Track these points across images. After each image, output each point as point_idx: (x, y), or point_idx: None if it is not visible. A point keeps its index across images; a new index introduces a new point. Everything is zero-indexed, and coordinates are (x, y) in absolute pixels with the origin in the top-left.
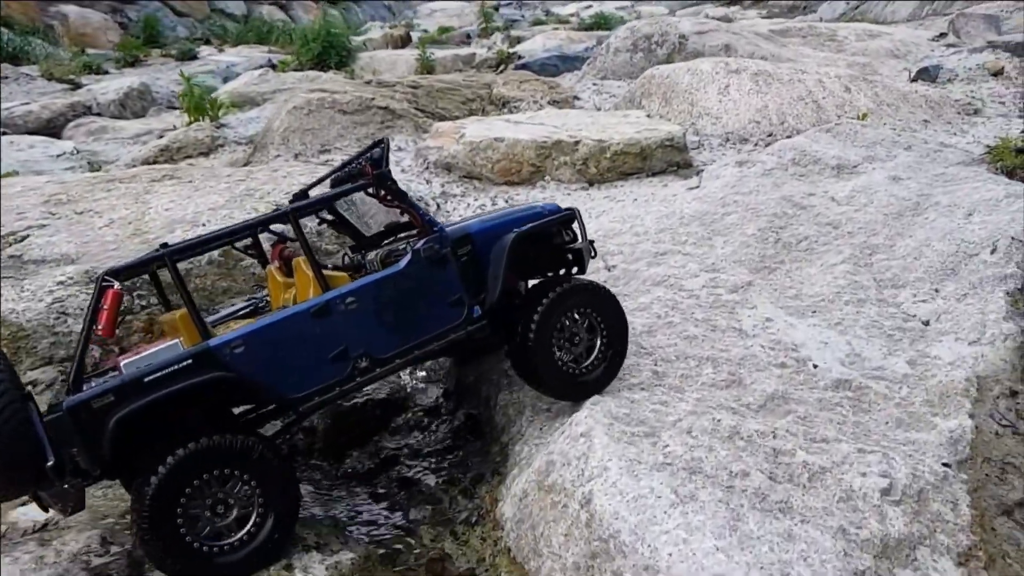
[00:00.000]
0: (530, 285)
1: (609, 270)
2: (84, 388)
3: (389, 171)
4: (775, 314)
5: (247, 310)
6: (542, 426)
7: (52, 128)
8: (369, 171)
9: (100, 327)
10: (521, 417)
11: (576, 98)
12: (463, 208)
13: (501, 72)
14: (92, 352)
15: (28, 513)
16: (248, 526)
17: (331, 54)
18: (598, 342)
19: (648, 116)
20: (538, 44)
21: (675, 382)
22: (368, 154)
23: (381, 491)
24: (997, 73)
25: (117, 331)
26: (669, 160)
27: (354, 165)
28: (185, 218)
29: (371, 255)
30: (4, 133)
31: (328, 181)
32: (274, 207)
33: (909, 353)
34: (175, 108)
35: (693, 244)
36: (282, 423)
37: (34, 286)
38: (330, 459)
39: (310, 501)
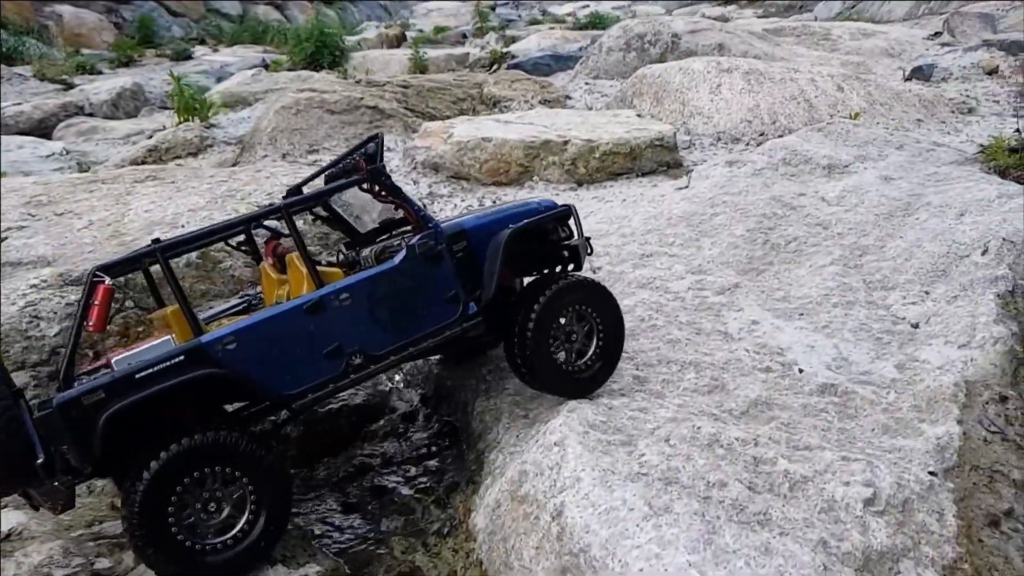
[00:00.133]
0: (526, 282)
1: (594, 272)
2: (75, 385)
3: (383, 166)
4: (762, 317)
5: (240, 307)
6: (519, 433)
7: (44, 128)
8: (363, 166)
9: (91, 323)
10: (498, 424)
11: (568, 97)
12: (450, 209)
13: (494, 72)
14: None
15: None
16: (240, 524)
17: (324, 54)
18: (594, 339)
19: (639, 116)
20: (532, 44)
21: (656, 387)
22: (362, 149)
23: (353, 500)
24: (992, 72)
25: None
26: (659, 160)
27: (348, 161)
28: (164, 220)
29: (366, 251)
30: None
31: (322, 177)
32: (255, 208)
33: (897, 357)
34: (168, 108)
35: (680, 245)
36: (272, 421)
37: (7, 289)
38: (302, 467)
39: None
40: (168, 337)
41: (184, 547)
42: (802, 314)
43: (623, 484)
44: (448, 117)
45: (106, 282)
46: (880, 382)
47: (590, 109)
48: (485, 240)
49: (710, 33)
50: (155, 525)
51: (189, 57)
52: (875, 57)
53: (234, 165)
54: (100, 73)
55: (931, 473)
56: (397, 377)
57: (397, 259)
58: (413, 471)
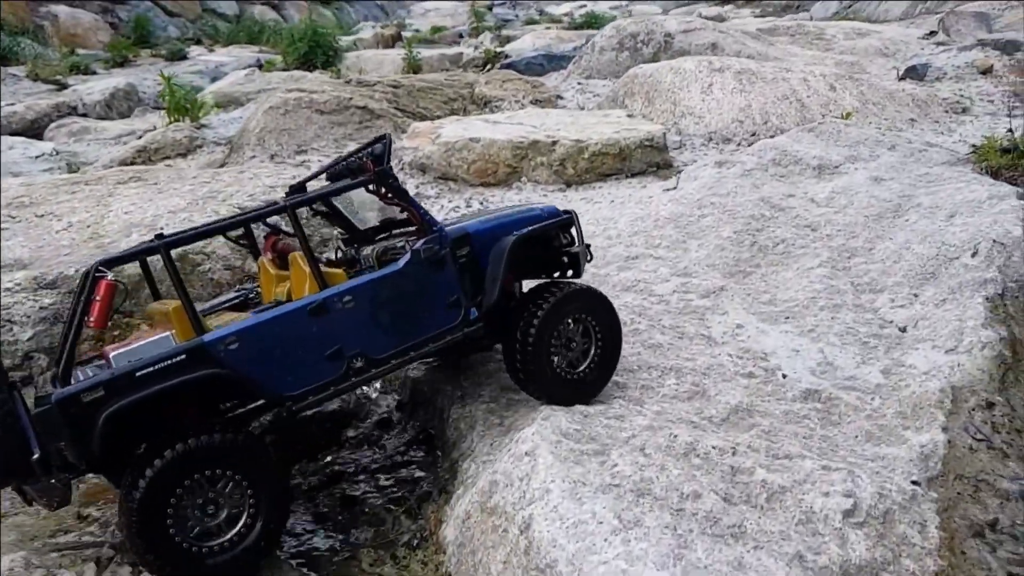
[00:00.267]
0: (525, 286)
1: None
2: (73, 381)
3: (391, 168)
4: (747, 320)
5: (237, 300)
6: (493, 442)
7: (36, 129)
8: (370, 167)
9: (92, 319)
10: (472, 432)
11: (559, 97)
12: (437, 210)
13: (488, 71)
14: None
15: None
16: (238, 526)
17: (318, 54)
18: (593, 347)
19: (629, 116)
20: (527, 43)
21: (635, 394)
22: (369, 149)
23: (323, 510)
24: (986, 71)
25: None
26: (649, 161)
27: (354, 160)
28: (144, 221)
29: (366, 251)
30: None
31: (325, 174)
32: (236, 209)
33: (884, 362)
34: (161, 109)
35: (666, 247)
36: (268, 420)
37: None
38: None
39: None
40: (167, 333)
41: (182, 549)
42: (788, 317)
43: (593, 496)
44: (439, 117)
45: (108, 277)
46: (865, 388)
47: (582, 109)
48: (488, 245)
49: (703, 33)
50: (154, 528)
51: (184, 57)
52: (869, 57)
53: (222, 166)
54: (94, 73)
55: (914, 483)
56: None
57: (401, 263)
58: (386, 480)
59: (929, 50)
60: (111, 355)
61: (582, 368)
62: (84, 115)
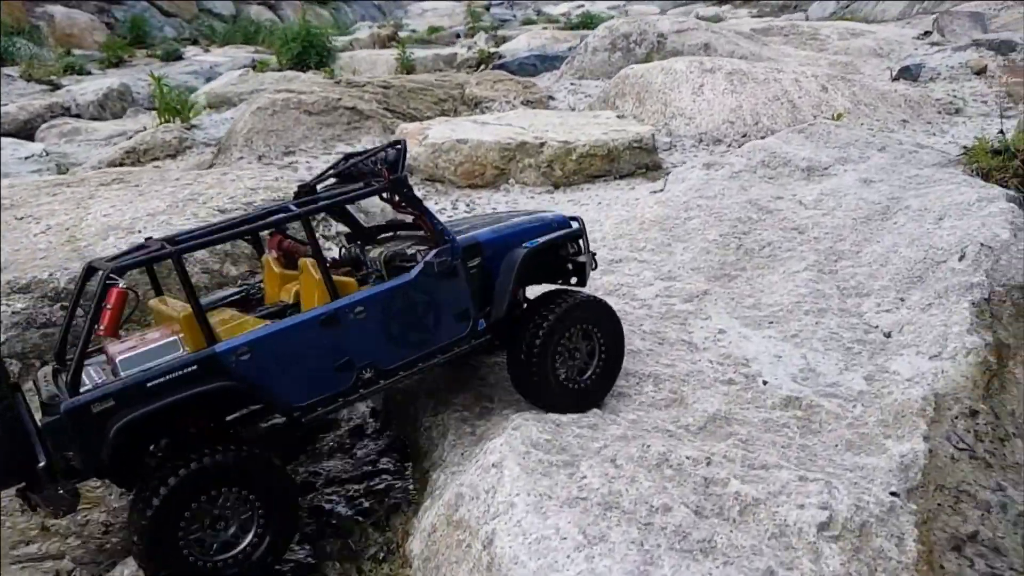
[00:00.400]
0: (530, 291)
1: None
2: (81, 390)
3: (406, 176)
4: (729, 325)
5: (239, 295)
6: (463, 451)
7: (29, 129)
8: (386, 175)
9: (102, 327)
10: (444, 441)
11: (551, 98)
12: None
13: (480, 72)
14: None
15: None
16: (247, 541)
17: (311, 54)
18: (596, 357)
19: (619, 117)
20: (522, 44)
21: (611, 402)
22: (383, 154)
23: None
24: (980, 72)
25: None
26: (638, 162)
27: (365, 163)
28: (121, 224)
29: (373, 253)
30: None
31: (332, 174)
32: (215, 211)
33: (867, 368)
34: (154, 109)
35: (651, 251)
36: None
37: None
38: None
39: None
40: (175, 337)
41: (191, 564)
42: (772, 322)
43: (559, 510)
44: (429, 118)
45: (120, 285)
46: (847, 395)
47: (573, 110)
48: (499, 255)
49: (696, 33)
50: (165, 543)
51: (180, 57)
52: (863, 57)
53: (210, 167)
54: (89, 74)
55: (893, 494)
56: None
57: (413, 274)
58: (356, 490)
59: (923, 50)
60: (117, 359)
61: (585, 377)
62: (77, 116)
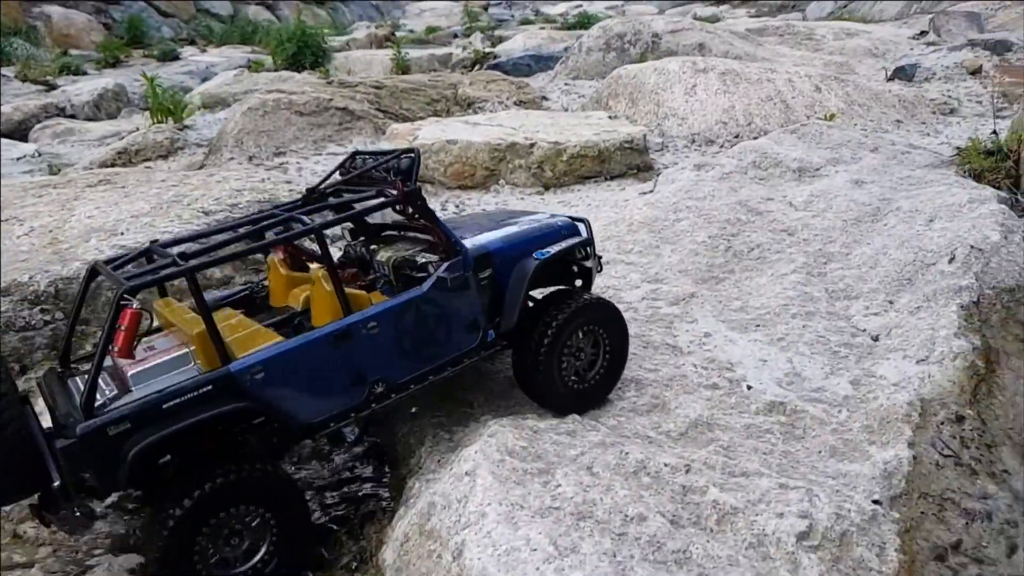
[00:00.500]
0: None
1: None
2: (97, 411)
3: (419, 188)
4: (715, 328)
5: (243, 294)
6: (440, 458)
7: (23, 130)
8: (400, 187)
9: (117, 348)
10: (421, 447)
11: (545, 98)
12: None
13: (476, 72)
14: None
15: None
16: (258, 557)
17: (306, 54)
18: (601, 358)
19: (611, 117)
20: (518, 44)
21: (590, 409)
22: (395, 161)
23: None
24: (975, 72)
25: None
26: (629, 163)
27: (377, 171)
28: (104, 226)
29: (381, 256)
30: None
31: (343, 182)
32: (199, 212)
33: (854, 372)
34: (148, 109)
35: (639, 253)
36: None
37: None
38: None
39: None
40: (186, 350)
41: None
42: (758, 325)
43: (530, 520)
44: (421, 118)
45: (134, 305)
46: (832, 400)
47: (566, 110)
48: (509, 265)
49: (691, 33)
50: (180, 559)
51: (176, 58)
52: (858, 57)
53: (201, 167)
54: (85, 74)
55: (875, 502)
56: None
57: (425, 287)
58: (332, 497)
59: (919, 50)
60: (129, 373)
61: (590, 378)
62: (72, 116)
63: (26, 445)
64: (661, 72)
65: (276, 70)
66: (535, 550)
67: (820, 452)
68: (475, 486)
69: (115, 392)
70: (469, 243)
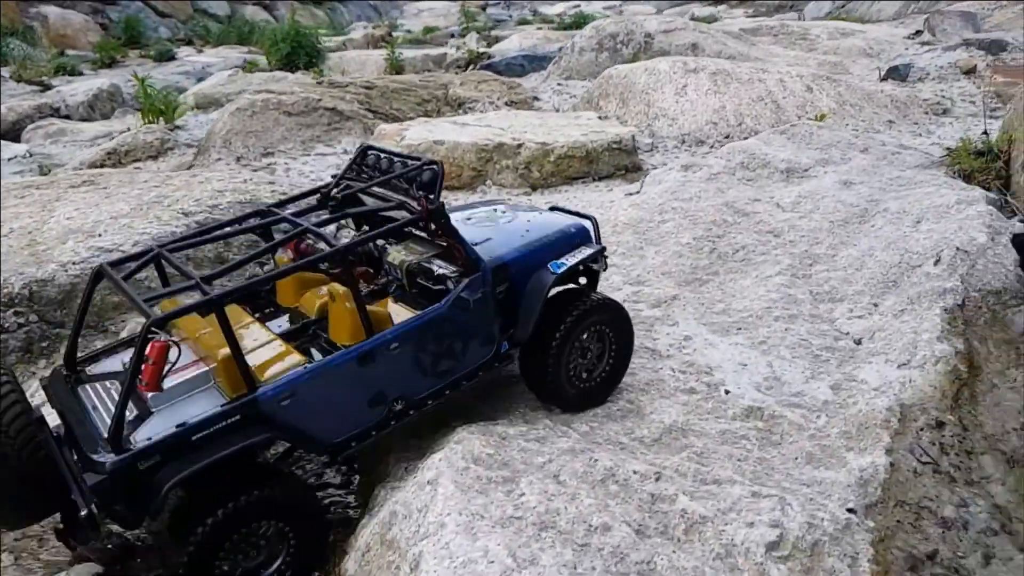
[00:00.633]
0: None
1: None
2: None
3: (443, 204)
4: (696, 331)
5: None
6: (407, 465)
7: (16, 131)
8: (425, 205)
9: (145, 382)
10: (390, 454)
11: (536, 99)
12: None
13: (468, 72)
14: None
15: None
16: (274, 568)
17: (300, 54)
18: (606, 357)
19: (600, 118)
20: (514, 44)
21: (563, 414)
22: (416, 172)
23: None
24: (969, 71)
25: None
26: (617, 164)
27: (399, 181)
28: (83, 228)
29: (393, 257)
30: None
31: (352, 171)
32: (179, 213)
33: (835, 376)
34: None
35: (622, 255)
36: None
37: None
38: None
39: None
40: (206, 369)
41: None
42: (740, 329)
43: (490, 531)
44: (411, 119)
45: (161, 339)
46: (811, 405)
47: (557, 111)
48: (525, 275)
49: (684, 33)
50: (201, 572)
51: (172, 58)
52: (853, 57)
53: (189, 167)
54: (81, 74)
55: (849, 510)
56: None
57: (445, 306)
58: None
59: (913, 50)
60: (149, 395)
61: (595, 376)
62: (67, 117)
63: (47, 470)
64: (651, 72)
65: (271, 70)
66: (492, 562)
67: (796, 459)
68: (436, 495)
69: (135, 412)
70: (485, 254)
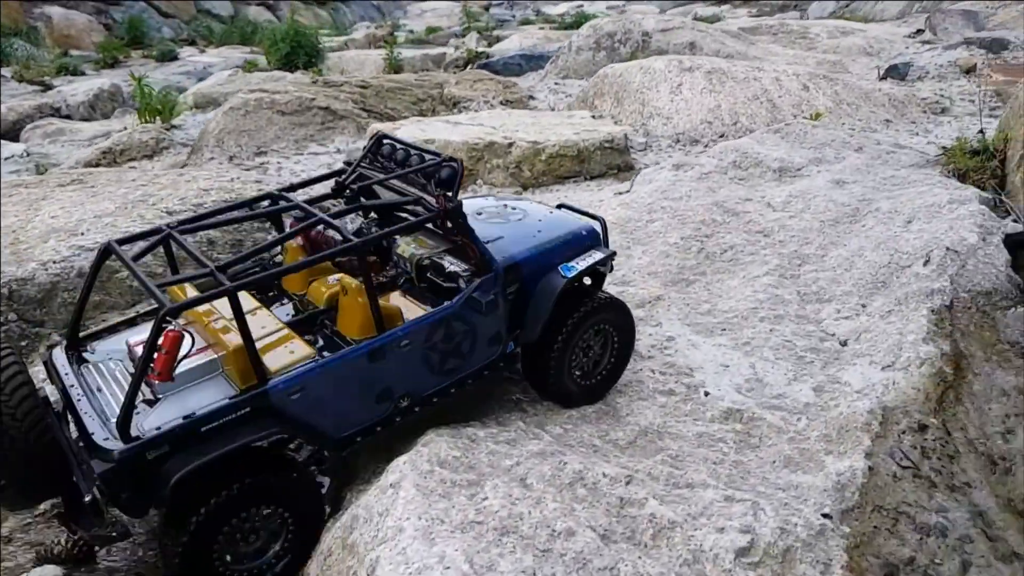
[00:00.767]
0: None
1: None
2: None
3: (461, 203)
4: (680, 332)
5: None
6: (376, 468)
7: (17, 130)
8: (442, 202)
9: (156, 371)
10: (360, 456)
11: (532, 98)
12: None
13: (464, 71)
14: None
15: None
16: (272, 552)
17: (299, 54)
18: (608, 356)
19: (594, 117)
20: (514, 43)
21: (538, 415)
22: (434, 168)
23: None
24: (969, 70)
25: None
26: (609, 163)
27: (416, 175)
28: (66, 227)
29: (403, 249)
30: None
31: (368, 160)
32: (164, 213)
33: (818, 378)
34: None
35: None
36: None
37: None
38: None
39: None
40: (215, 356)
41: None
42: (724, 329)
43: (448, 536)
44: (405, 118)
45: (175, 328)
46: (792, 407)
47: (552, 110)
48: (535, 276)
49: (682, 32)
50: (198, 562)
51: (175, 58)
52: (852, 56)
53: (184, 167)
54: (83, 74)
55: (825, 515)
56: None
57: (456, 305)
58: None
59: (914, 49)
60: (156, 383)
61: (596, 373)
62: (67, 117)
63: (53, 453)
64: (647, 71)
65: (270, 70)
66: (448, 568)
67: (773, 462)
68: (397, 499)
69: (140, 397)
70: (497, 252)
